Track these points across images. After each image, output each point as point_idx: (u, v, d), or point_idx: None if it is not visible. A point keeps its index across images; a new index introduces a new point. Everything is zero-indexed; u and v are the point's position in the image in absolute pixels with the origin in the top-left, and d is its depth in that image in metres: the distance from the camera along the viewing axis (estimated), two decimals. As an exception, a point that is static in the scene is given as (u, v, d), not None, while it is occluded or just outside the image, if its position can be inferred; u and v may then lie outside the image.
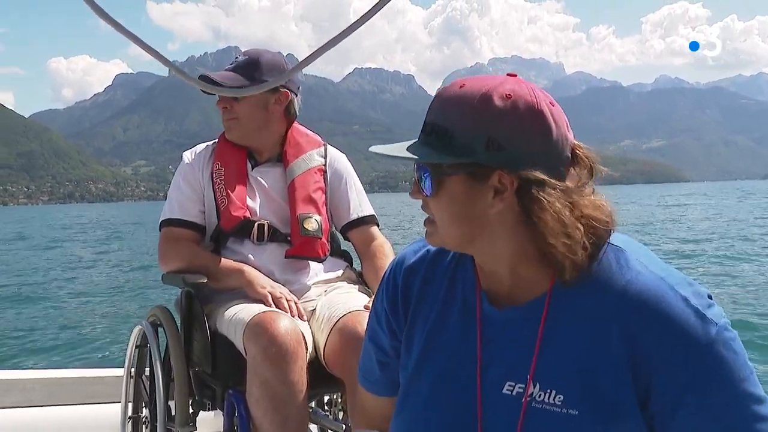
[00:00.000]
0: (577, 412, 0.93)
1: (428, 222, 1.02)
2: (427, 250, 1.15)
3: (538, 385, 0.97)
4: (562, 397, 0.95)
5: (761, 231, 22.42)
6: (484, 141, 0.92)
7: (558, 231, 0.92)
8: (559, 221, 0.92)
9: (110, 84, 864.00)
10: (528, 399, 0.97)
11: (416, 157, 0.96)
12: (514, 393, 0.98)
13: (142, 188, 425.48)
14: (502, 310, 1.02)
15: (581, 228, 0.93)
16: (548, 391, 0.96)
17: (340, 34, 0.61)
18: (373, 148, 1.02)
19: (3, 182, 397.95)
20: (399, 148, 0.98)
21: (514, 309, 1.01)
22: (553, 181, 0.93)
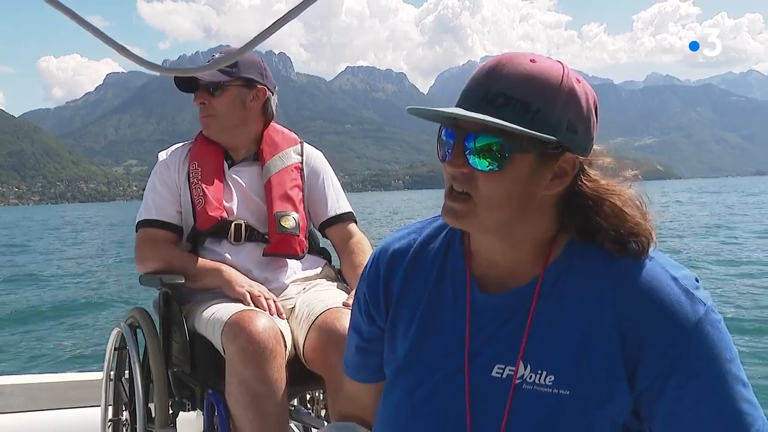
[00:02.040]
0: (568, 392, 0.94)
1: (460, 199, 0.95)
2: (414, 238, 1.13)
3: (528, 366, 0.96)
4: (553, 378, 0.94)
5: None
6: (566, 122, 0.92)
7: (616, 210, 0.96)
8: (613, 206, 0.96)
9: (101, 83, 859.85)
10: (518, 381, 0.96)
11: (507, 123, 0.89)
12: (503, 375, 0.98)
13: (134, 188, 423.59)
14: (493, 296, 1.02)
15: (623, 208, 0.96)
16: (539, 372, 0.95)
17: (288, 13, 0.60)
18: (412, 109, 0.95)
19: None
20: (439, 114, 0.93)
21: (504, 294, 1.01)
22: (605, 166, 0.97)
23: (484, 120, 0.89)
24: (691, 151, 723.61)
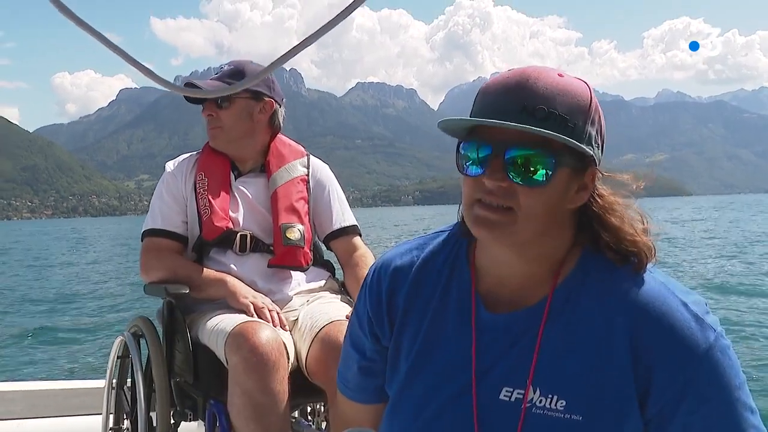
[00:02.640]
0: (580, 418, 0.92)
1: (502, 212, 0.93)
2: (416, 255, 1.10)
3: (538, 390, 0.95)
4: (564, 403, 0.93)
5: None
6: (594, 136, 0.93)
7: (617, 225, 0.97)
8: (616, 218, 0.97)
9: (114, 99, 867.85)
10: (527, 405, 0.95)
11: (562, 136, 0.88)
12: (512, 399, 0.96)
13: (145, 202, 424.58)
14: (500, 315, 1.00)
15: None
16: (549, 396, 0.94)
17: (317, 31, 0.59)
18: (446, 121, 0.94)
19: (7, 197, 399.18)
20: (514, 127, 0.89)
21: (512, 314, 0.99)
22: (614, 180, 0.99)
23: (546, 133, 0.88)
24: (702, 167, 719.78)
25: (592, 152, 0.92)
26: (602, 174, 0.97)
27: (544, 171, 0.90)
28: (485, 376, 0.99)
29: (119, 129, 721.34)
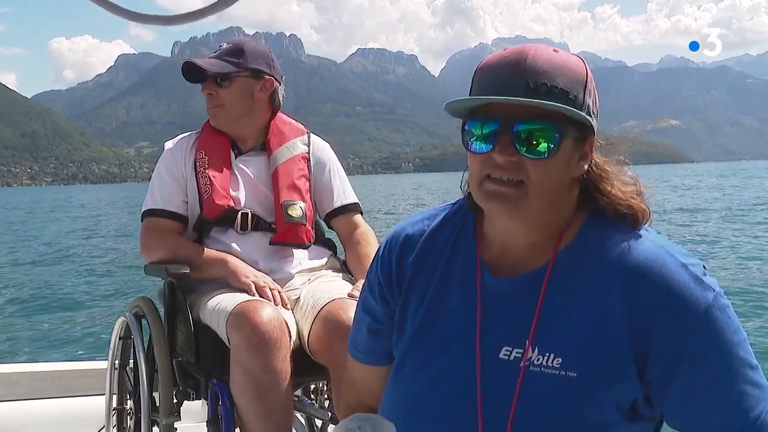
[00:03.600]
0: (575, 374, 0.95)
1: (514, 185, 0.96)
2: (427, 224, 1.15)
3: (536, 349, 0.98)
4: (560, 360, 0.96)
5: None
6: (591, 106, 0.97)
7: (616, 187, 1.01)
8: (612, 182, 1.02)
9: (112, 65, 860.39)
10: (526, 363, 0.98)
11: (572, 109, 0.93)
12: (511, 358, 0.99)
13: (145, 169, 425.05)
14: (504, 280, 1.03)
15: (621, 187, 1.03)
16: (546, 354, 0.97)
17: None
18: (452, 103, 0.98)
19: (7, 163, 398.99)
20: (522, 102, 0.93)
21: (516, 278, 1.03)
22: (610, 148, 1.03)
23: (555, 106, 0.92)
24: (705, 134, 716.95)
25: (592, 122, 0.97)
26: (600, 143, 1.01)
27: (550, 143, 0.94)
28: (487, 337, 1.02)
29: (118, 95, 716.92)
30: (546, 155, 0.94)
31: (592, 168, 1.01)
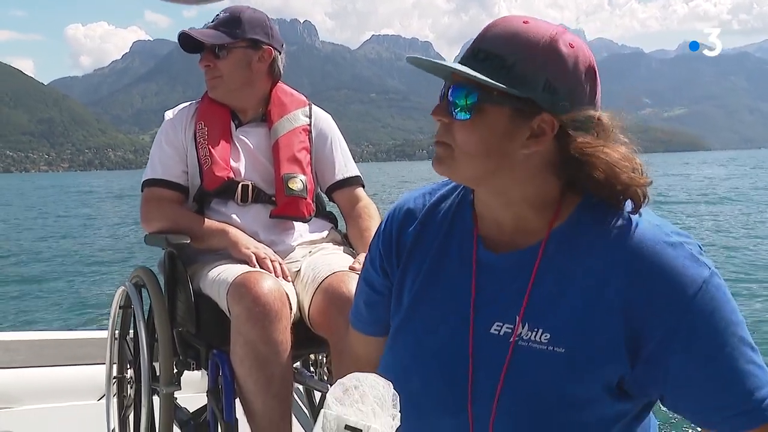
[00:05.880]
0: (563, 350, 0.95)
1: (443, 146, 1.00)
2: (428, 198, 1.17)
3: (526, 325, 0.99)
4: (548, 336, 0.97)
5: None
6: (543, 81, 0.94)
7: (603, 169, 0.96)
8: (604, 162, 0.96)
9: (128, 51, 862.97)
10: (516, 338, 0.99)
11: (474, 73, 0.93)
12: (501, 333, 1.00)
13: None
14: (499, 255, 1.04)
15: (618, 169, 0.96)
16: (535, 329, 0.98)
17: None
18: (411, 58, 1.00)
19: (24, 149, 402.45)
20: (438, 65, 0.99)
21: (511, 254, 1.03)
22: (591, 128, 0.97)
23: (456, 69, 0.95)
24: (723, 121, 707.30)
25: (532, 96, 0.93)
26: (566, 121, 0.95)
27: (467, 108, 0.96)
28: (480, 312, 1.03)
29: (133, 82, 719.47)
30: (467, 118, 0.96)
31: (567, 148, 0.97)
